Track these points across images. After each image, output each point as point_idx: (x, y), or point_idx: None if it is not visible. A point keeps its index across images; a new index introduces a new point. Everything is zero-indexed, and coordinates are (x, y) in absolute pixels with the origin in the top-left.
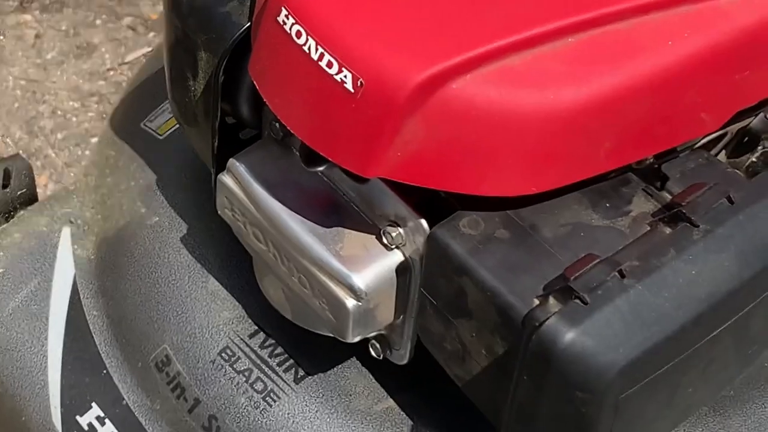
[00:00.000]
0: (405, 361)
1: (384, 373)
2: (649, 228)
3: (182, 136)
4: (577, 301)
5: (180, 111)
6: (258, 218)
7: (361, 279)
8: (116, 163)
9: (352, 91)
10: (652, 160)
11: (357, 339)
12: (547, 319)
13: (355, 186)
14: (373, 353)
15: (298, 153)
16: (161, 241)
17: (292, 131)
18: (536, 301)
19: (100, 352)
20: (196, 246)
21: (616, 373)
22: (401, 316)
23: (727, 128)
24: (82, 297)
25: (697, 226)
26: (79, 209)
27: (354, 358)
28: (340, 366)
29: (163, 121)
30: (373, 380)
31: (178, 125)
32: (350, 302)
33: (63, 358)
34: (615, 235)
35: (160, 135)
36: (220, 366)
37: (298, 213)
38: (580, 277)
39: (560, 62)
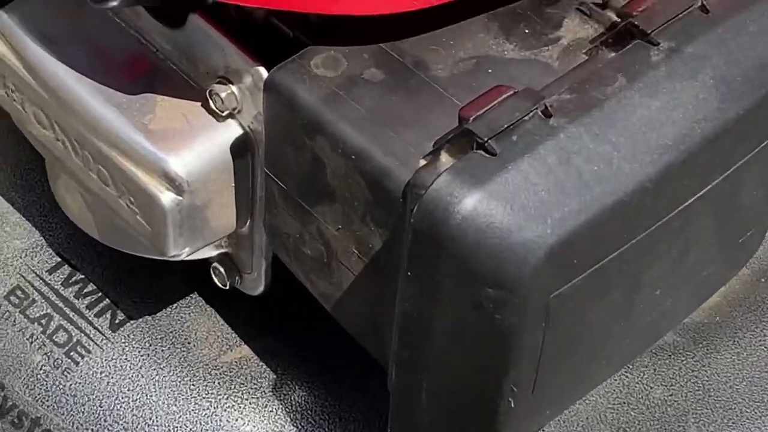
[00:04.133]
0: (260, 290)
1: (234, 311)
2: (587, 59)
3: None
4: (480, 152)
5: None
6: (36, 89)
7: (180, 161)
8: None
9: None
10: None
11: (185, 255)
12: (437, 179)
13: (169, 35)
14: (217, 282)
15: None
16: None
17: None
18: (422, 162)
19: None
20: None
21: (544, 257)
22: (247, 221)
23: None
24: None
25: (657, 44)
26: None
27: (194, 295)
28: (173, 305)
29: None
30: (220, 321)
31: None
32: (167, 197)
33: None
34: (538, 69)
35: None
36: (7, 314)
37: (90, 76)
38: (484, 116)
39: None
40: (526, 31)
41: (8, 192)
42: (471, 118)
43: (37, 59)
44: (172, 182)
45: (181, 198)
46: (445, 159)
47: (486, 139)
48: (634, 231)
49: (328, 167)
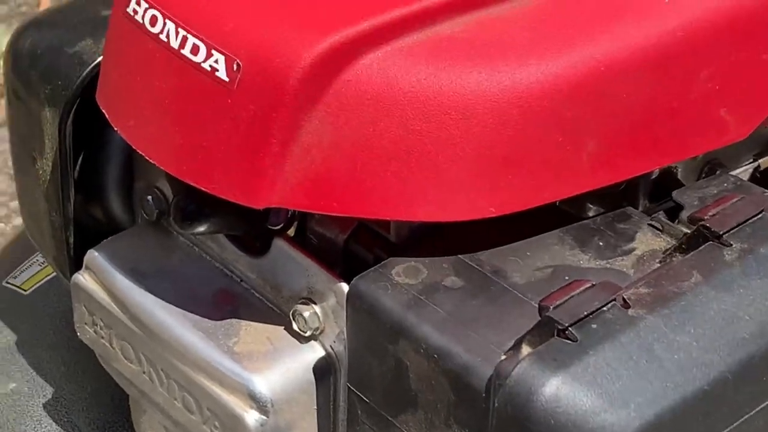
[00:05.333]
0: None
1: None
2: (662, 265)
3: (50, 289)
4: (561, 339)
5: (29, 213)
6: (124, 322)
7: (265, 382)
8: None
9: (227, 79)
10: (657, 174)
11: None
12: (519, 363)
13: (252, 263)
14: None
15: (175, 232)
16: (18, 410)
17: (150, 159)
18: (504, 357)
19: None
20: (62, 413)
21: None
22: None
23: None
24: None
25: (729, 245)
26: None
27: None
28: None
29: (29, 275)
30: None
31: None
32: (251, 416)
33: None
34: (614, 276)
35: (25, 291)
36: None
37: (177, 306)
38: (564, 305)
39: (517, 27)
40: (601, 243)
41: None
42: (551, 307)
43: (126, 293)
44: (257, 402)
45: (265, 418)
46: (526, 351)
47: (567, 325)
48: (716, 425)
49: (411, 371)
